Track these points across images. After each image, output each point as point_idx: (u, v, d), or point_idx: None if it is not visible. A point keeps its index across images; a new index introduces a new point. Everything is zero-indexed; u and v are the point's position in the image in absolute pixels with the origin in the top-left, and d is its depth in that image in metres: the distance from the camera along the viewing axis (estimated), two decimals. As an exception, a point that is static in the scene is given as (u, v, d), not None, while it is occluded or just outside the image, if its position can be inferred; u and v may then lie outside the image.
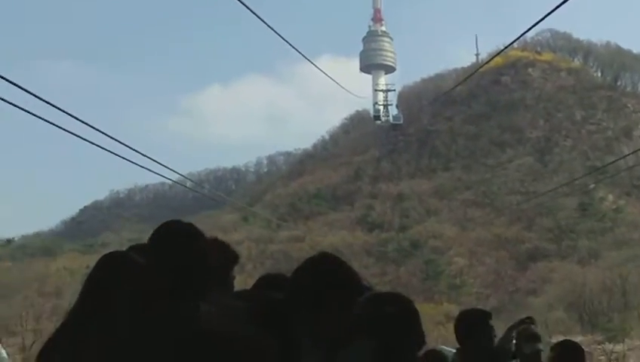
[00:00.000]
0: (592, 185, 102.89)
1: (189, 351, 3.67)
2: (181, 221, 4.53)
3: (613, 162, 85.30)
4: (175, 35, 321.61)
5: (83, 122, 16.21)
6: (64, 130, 15.74)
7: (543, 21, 15.95)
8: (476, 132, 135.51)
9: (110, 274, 4.42)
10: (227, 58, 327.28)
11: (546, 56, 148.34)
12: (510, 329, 8.50)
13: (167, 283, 4.16)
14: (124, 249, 4.93)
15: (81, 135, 16.50)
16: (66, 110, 15.15)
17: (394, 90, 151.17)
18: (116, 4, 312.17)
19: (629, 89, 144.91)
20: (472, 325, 7.97)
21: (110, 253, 4.69)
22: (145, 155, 20.77)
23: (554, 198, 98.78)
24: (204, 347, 3.73)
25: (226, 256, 6.02)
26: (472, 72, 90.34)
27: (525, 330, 8.50)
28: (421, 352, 4.54)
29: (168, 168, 25.17)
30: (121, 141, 18.93)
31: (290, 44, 28.66)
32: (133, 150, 19.60)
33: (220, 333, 3.97)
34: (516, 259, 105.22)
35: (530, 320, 8.78)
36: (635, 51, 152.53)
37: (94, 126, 16.83)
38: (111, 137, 18.31)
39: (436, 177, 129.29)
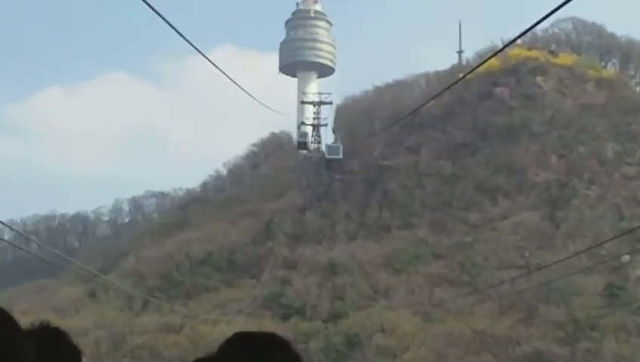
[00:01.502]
0: (625, 257, 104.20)
1: None
2: None
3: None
4: None
5: None
6: None
7: (565, 7, 15.90)
8: (454, 171, 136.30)
9: None
10: (73, 52, 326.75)
11: (565, 58, 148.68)
12: None
13: None
14: None
15: None
16: None
17: (330, 103, 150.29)
18: None
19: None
20: None
21: None
22: None
23: (568, 276, 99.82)
24: None
25: (62, 355, 6.13)
26: (454, 82, 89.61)
27: None
28: None
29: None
30: None
31: (168, 23, 28.68)
32: None
33: None
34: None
35: None
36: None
37: None
38: None
39: (390, 239, 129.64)
